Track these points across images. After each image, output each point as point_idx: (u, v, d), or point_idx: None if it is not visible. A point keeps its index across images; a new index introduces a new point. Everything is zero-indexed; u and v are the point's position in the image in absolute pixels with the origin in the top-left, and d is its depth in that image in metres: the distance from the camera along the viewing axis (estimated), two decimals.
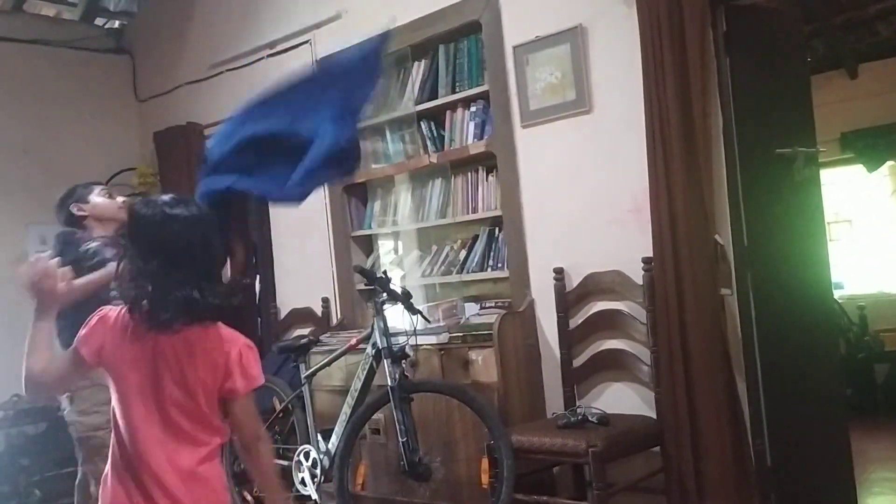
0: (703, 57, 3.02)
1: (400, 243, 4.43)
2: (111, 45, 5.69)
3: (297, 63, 4.63)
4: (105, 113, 5.56)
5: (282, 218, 4.87)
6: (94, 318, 1.74)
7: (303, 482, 3.58)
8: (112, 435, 1.74)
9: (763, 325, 3.11)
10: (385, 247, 4.48)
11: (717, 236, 3.03)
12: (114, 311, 1.73)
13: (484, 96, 3.88)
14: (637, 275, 3.25)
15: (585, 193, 3.48)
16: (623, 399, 3.34)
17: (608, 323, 3.38)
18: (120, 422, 1.71)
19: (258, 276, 5.62)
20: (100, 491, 1.77)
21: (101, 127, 5.51)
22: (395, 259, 4.41)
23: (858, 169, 6.24)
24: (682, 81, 3.03)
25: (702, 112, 3.01)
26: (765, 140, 3.17)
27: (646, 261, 3.19)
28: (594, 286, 3.42)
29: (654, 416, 3.17)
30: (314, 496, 3.54)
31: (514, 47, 3.66)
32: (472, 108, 3.97)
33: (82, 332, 1.73)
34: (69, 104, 5.37)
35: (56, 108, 5.31)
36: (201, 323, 1.71)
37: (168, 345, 1.70)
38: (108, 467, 1.74)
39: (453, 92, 4.01)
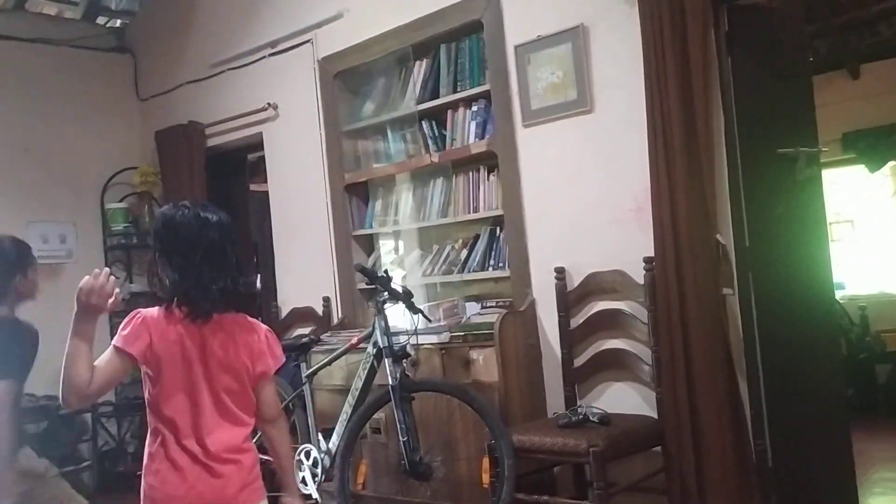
0: (704, 56, 3.01)
1: (401, 243, 4.43)
2: (112, 44, 5.69)
3: (298, 62, 4.64)
4: (106, 112, 5.56)
5: (283, 217, 4.88)
6: (136, 319, 1.86)
7: (303, 481, 3.57)
8: (157, 429, 1.87)
9: (764, 325, 3.11)
10: (386, 246, 4.48)
11: (718, 236, 3.02)
12: (150, 311, 1.88)
13: (485, 96, 3.88)
14: (638, 274, 3.25)
15: (587, 193, 3.48)
16: (624, 399, 3.34)
17: (609, 322, 3.38)
18: (169, 413, 1.85)
19: (259, 276, 5.62)
20: (147, 480, 1.86)
21: (102, 126, 5.52)
22: (397, 258, 4.41)
23: (860, 169, 6.24)
24: (684, 81, 3.02)
25: (703, 112, 3.00)
26: (766, 140, 3.16)
27: (647, 260, 3.19)
28: (595, 286, 3.42)
29: (656, 416, 3.17)
30: (315, 495, 3.54)
31: (516, 47, 3.66)
32: (474, 108, 3.96)
33: (124, 333, 1.84)
34: (70, 103, 5.37)
35: (57, 106, 5.31)
36: (235, 310, 1.93)
37: (212, 337, 1.89)
38: (153, 459, 1.86)
39: (455, 91, 4.01)
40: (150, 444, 1.89)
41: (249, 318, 1.98)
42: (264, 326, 2.02)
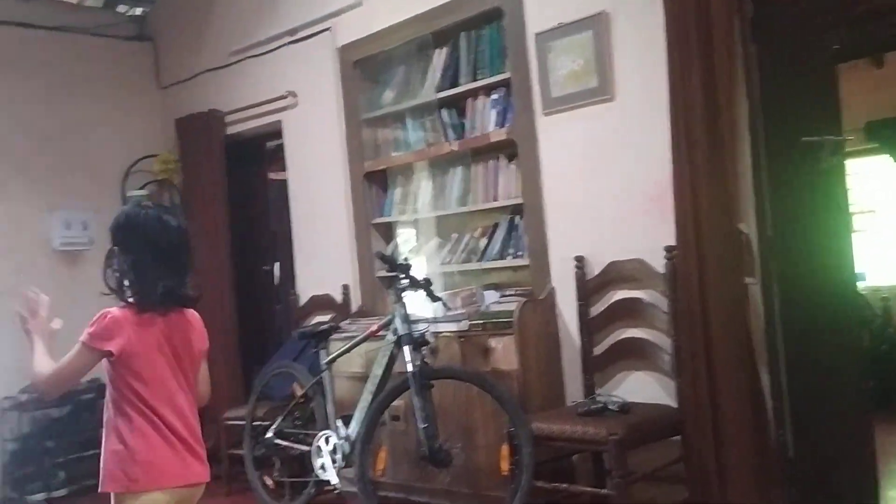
0: (729, 44, 2.98)
1: (420, 231, 4.43)
2: (133, 32, 5.72)
3: (317, 50, 4.65)
4: (127, 100, 5.60)
5: (302, 205, 4.89)
6: (107, 320, 1.96)
7: (322, 467, 3.60)
8: (142, 412, 1.97)
9: (787, 315, 3.09)
10: (405, 234, 4.49)
11: (741, 225, 3.00)
12: (117, 310, 1.99)
13: (505, 84, 3.87)
14: (659, 263, 3.24)
15: (607, 181, 3.46)
16: (643, 388, 3.34)
17: (629, 311, 3.37)
18: (153, 398, 1.98)
19: (277, 264, 5.65)
20: (134, 451, 1.95)
21: (122, 113, 5.55)
22: (415, 246, 4.41)
23: (884, 159, 6.15)
24: (708, 68, 2.99)
25: (727, 99, 2.98)
26: (790, 128, 3.13)
27: (668, 249, 3.18)
28: (615, 274, 3.41)
29: (675, 405, 3.17)
30: (334, 481, 3.57)
31: (537, 34, 3.64)
32: (494, 96, 3.95)
33: (96, 332, 1.95)
34: (92, 91, 5.41)
35: (79, 94, 5.35)
36: (184, 307, 2.08)
37: (175, 329, 2.04)
38: (139, 435, 1.96)
39: (474, 79, 4.00)
40: (128, 426, 1.96)
41: (187, 308, 2.12)
42: (196, 313, 2.16)
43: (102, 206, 5.30)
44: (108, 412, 2.01)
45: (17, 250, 4.97)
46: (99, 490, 1.99)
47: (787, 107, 3.14)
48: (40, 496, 4.59)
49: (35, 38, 5.18)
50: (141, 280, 1.99)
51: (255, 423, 4.12)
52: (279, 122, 4.95)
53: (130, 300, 1.99)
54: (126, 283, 2.00)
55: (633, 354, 3.37)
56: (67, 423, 4.85)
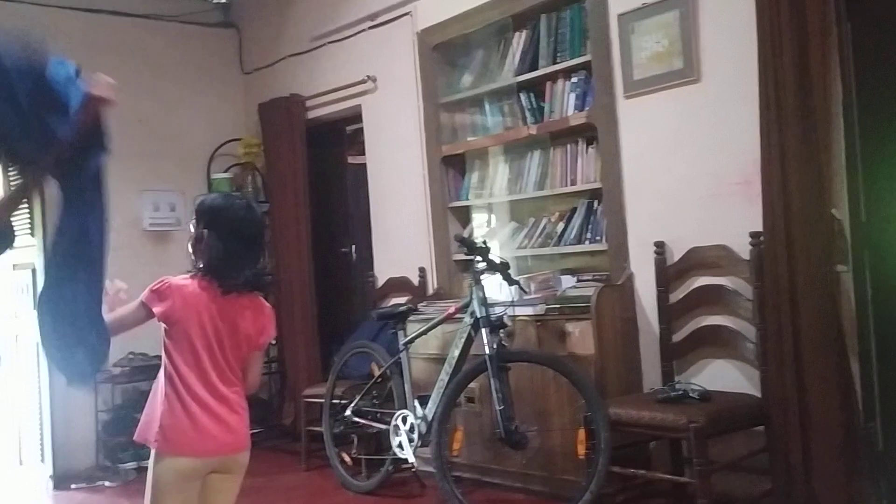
0: (823, 22, 2.87)
1: (496, 215, 4.43)
2: (219, 20, 5.88)
3: (397, 35, 4.69)
4: (212, 85, 5.78)
5: (380, 188, 4.96)
6: (163, 285, 2.11)
7: (399, 446, 3.67)
8: (172, 378, 2.10)
9: (879, 305, 2.98)
10: (481, 218, 4.50)
11: (833, 210, 2.90)
12: (178, 279, 2.13)
13: (586, 66, 3.82)
14: (743, 249, 3.16)
15: (690, 165, 3.39)
16: (724, 376, 3.27)
17: (710, 298, 3.31)
18: (184, 366, 2.10)
19: (353, 246, 5.75)
20: (161, 416, 2.08)
21: (208, 98, 5.73)
22: (492, 230, 4.42)
23: None
24: (800, 48, 2.89)
25: (821, 80, 2.87)
26: (886, 110, 3.01)
27: (754, 235, 3.10)
28: (696, 260, 3.35)
29: (758, 395, 3.10)
30: (411, 459, 3.63)
31: (619, 15, 3.58)
32: (573, 79, 3.92)
33: (150, 293, 2.11)
34: (180, 76, 5.60)
35: (168, 80, 5.54)
36: (259, 292, 2.20)
37: (231, 309, 2.13)
38: (165, 404, 2.08)
39: (554, 62, 3.97)
40: (165, 387, 2.11)
41: (260, 298, 2.23)
42: (268, 306, 2.26)
43: (188, 189, 5.50)
44: (160, 371, 2.16)
45: (111, 230, 5.19)
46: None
47: (882, 88, 3.01)
48: (131, 464, 4.81)
49: (126, 25, 5.39)
50: (227, 264, 2.10)
51: (333, 401, 4.22)
52: (359, 106, 5.02)
53: (209, 277, 2.09)
54: (211, 263, 2.10)
55: (714, 342, 3.31)
56: None
